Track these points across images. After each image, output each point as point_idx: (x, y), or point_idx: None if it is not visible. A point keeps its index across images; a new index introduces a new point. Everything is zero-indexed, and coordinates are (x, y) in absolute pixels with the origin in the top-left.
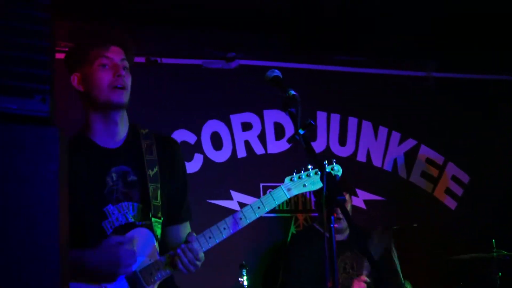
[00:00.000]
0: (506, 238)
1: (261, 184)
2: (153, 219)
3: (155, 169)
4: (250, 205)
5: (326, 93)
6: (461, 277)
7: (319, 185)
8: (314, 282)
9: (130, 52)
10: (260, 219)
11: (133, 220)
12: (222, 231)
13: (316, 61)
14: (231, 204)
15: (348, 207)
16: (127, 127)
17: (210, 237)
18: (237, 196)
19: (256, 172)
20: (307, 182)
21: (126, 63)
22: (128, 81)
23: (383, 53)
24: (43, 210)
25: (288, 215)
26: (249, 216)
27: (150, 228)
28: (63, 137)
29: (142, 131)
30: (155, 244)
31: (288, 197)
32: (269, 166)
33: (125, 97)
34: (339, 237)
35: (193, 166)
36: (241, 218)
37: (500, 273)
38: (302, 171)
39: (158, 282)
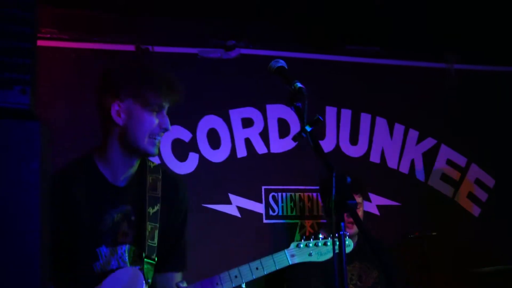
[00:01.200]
0: None
1: (263, 187)
2: (146, 260)
3: (156, 207)
4: (249, 264)
5: (336, 86)
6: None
7: (326, 257)
8: None
9: (180, 95)
10: (263, 225)
11: (126, 265)
12: (214, 286)
13: (326, 51)
14: (230, 209)
15: (360, 212)
16: (139, 162)
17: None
18: (236, 200)
19: (258, 174)
20: (314, 251)
21: (167, 106)
22: None
23: (399, 43)
24: (23, 212)
25: (294, 221)
26: (245, 276)
27: (141, 270)
28: (45, 132)
29: (150, 164)
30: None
31: (290, 263)
32: (272, 167)
33: (158, 148)
34: (349, 246)
35: (188, 166)
36: (236, 276)
37: None
38: (312, 239)
39: None
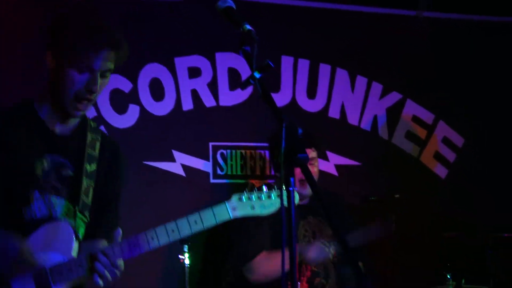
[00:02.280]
0: (504, 213)
1: (211, 144)
2: (79, 215)
3: (93, 166)
4: (187, 217)
5: (293, 34)
6: (451, 256)
7: (269, 210)
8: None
9: (122, 53)
10: (210, 185)
11: (57, 217)
12: (149, 241)
13: None
14: (173, 167)
15: (314, 170)
16: (80, 118)
17: (135, 245)
18: (181, 158)
19: (205, 129)
20: (257, 204)
21: (110, 67)
22: (101, 89)
23: None
24: None
25: (241, 181)
26: (183, 230)
27: (73, 224)
28: None
29: (91, 123)
30: (74, 243)
31: (231, 217)
32: (221, 121)
33: (89, 107)
34: (300, 200)
35: (128, 119)
36: (173, 231)
37: (493, 253)
38: (255, 191)
39: (68, 284)
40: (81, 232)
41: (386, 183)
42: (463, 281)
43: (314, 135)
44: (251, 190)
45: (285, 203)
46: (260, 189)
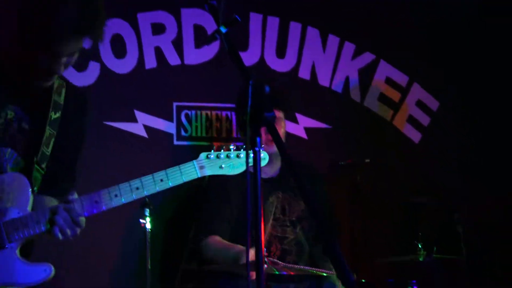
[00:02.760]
0: (477, 180)
1: (175, 104)
2: (36, 166)
3: (58, 114)
4: (153, 175)
5: None
6: (421, 224)
7: (239, 170)
8: (235, 228)
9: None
10: (173, 147)
11: (9, 169)
12: (112, 198)
13: None
14: (135, 128)
15: (281, 132)
16: None
17: (96, 201)
18: (143, 118)
19: (169, 88)
20: (226, 164)
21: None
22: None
23: None
24: None
25: (207, 143)
26: (148, 187)
27: (29, 176)
28: None
29: None
30: (29, 196)
31: (199, 176)
32: (185, 81)
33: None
34: (268, 173)
35: (87, 77)
36: (137, 188)
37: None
38: (222, 150)
39: (23, 240)
40: (37, 184)
41: (357, 147)
42: (434, 249)
43: (280, 95)
44: (219, 150)
45: (255, 168)
46: (228, 148)
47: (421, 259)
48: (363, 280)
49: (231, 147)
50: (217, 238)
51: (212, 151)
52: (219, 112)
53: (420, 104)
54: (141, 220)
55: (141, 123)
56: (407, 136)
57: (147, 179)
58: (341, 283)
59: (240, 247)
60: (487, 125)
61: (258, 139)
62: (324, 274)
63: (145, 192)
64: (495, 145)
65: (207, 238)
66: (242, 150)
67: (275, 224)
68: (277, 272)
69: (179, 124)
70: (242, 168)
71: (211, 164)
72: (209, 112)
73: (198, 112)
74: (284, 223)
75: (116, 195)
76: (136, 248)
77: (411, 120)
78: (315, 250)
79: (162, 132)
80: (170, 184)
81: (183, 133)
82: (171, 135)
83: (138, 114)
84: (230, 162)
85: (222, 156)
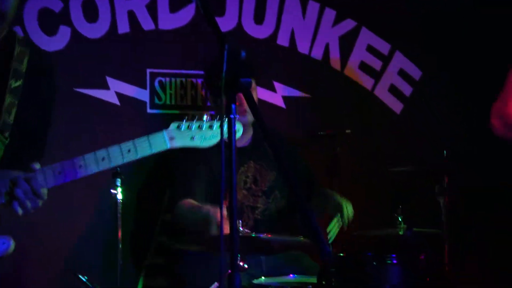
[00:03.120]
0: (460, 151)
1: (148, 70)
2: None
3: (19, 82)
4: (120, 145)
5: None
6: (403, 196)
7: (211, 142)
8: (206, 198)
9: None
10: (147, 115)
11: None
12: (77, 169)
13: None
14: (107, 95)
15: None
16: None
17: (60, 172)
18: (116, 85)
19: (142, 54)
20: (197, 135)
21: None
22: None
23: None
24: None
25: (177, 112)
26: (115, 158)
27: None
28: None
29: (19, 37)
30: None
31: (168, 147)
32: (160, 46)
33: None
34: (239, 142)
35: (58, 42)
36: (103, 159)
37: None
38: (194, 120)
39: None
40: (0, 154)
41: (337, 117)
42: (414, 223)
43: (253, 61)
44: (191, 119)
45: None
46: (200, 118)
47: (401, 232)
48: (341, 254)
49: (205, 117)
50: (190, 200)
51: (184, 121)
52: (194, 80)
53: (402, 73)
54: (112, 191)
55: (113, 90)
56: (388, 107)
57: (114, 149)
58: (318, 252)
59: (208, 207)
60: (471, 95)
61: (233, 106)
62: (301, 239)
63: (111, 163)
64: (479, 116)
65: (180, 201)
66: (215, 121)
67: (247, 194)
68: (253, 235)
69: (153, 92)
70: (214, 140)
71: (181, 135)
72: (184, 80)
73: (173, 80)
74: (256, 193)
75: (80, 166)
76: (107, 219)
77: (393, 90)
78: (288, 221)
79: (135, 100)
80: (138, 155)
81: (156, 101)
82: (144, 103)
83: (110, 80)
84: (202, 134)
85: (193, 126)
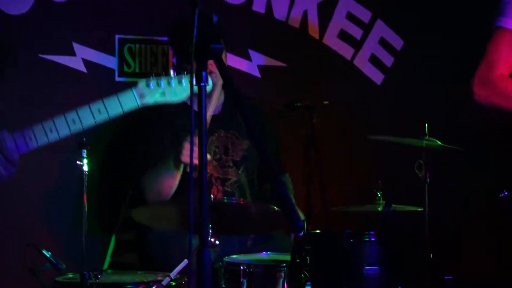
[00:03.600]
0: (444, 125)
1: (117, 36)
2: None
3: None
4: (89, 105)
5: None
6: (383, 171)
7: (181, 96)
8: (175, 167)
9: None
10: (115, 83)
11: None
12: (48, 133)
13: None
14: (73, 62)
15: None
16: None
17: (30, 138)
18: (82, 51)
19: (111, 19)
20: (167, 90)
21: None
22: None
23: None
24: None
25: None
26: (85, 120)
27: None
28: None
29: None
30: None
31: (139, 105)
32: (129, 11)
33: None
34: (209, 110)
35: (21, 5)
36: (74, 121)
37: (430, 169)
38: (163, 75)
39: None
40: None
41: (315, 88)
42: (393, 200)
43: (226, 27)
44: (158, 77)
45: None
46: (168, 74)
47: (379, 209)
48: (317, 231)
49: (172, 72)
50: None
51: (151, 78)
52: (165, 46)
53: (383, 42)
54: (78, 162)
55: (79, 57)
56: (368, 77)
57: (84, 110)
58: (290, 226)
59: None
60: (455, 65)
61: (204, 73)
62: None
63: (82, 125)
64: (463, 86)
65: (145, 173)
66: (183, 75)
67: (217, 165)
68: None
69: (122, 59)
70: (184, 95)
71: (151, 92)
72: (154, 47)
73: (143, 46)
74: (227, 163)
75: (51, 130)
76: (71, 193)
77: (374, 60)
78: (259, 193)
79: (103, 67)
80: (109, 115)
81: (125, 68)
82: (112, 70)
83: (77, 47)
84: (172, 89)
85: (162, 83)
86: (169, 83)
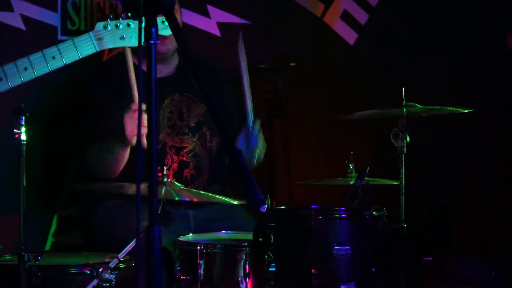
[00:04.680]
0: (423, 88)
1: None
2: None
3: None
4: (42, 52)
5: None
6: (355, 140)
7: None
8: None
9: None
10: (57, 42)
11: None
12: None
13: None
14: (11, 19)
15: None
16: None
17: None
18: (21, 7)
19: None
20: (126, 33)
21: None
22: None
23: None
24: None
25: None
26: (39, 67)
27: None
28: None
29: None
30: None
31: (97, 49)
32: None
33: None
34: (162, 72)
35: None
36: (26, 68)
37: (408, 138)
38: (121, 18)
39: None
40: None
41: (280, 48)
42: (367, 170)
43: None
44: (117, 19)
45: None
46: (127, 16)
47: (351, 182)
48: (282, 207)
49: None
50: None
51: (109, 20)
52: (113, 1)
53: None
54: (15, 130)
55: (17, 13)
56: (340, 36)
57: (37, 57)
58: (247, 201)
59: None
60: (434, 23)
61: (153, 30)
62: (235, 203)
63: (36, 72)
64: (445, 50)
65: (92, 143)
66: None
67: (171, 132)
68: (177, 198)
69: (65, 15)
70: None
71: (110, 34)
72: (101, 1)
73: (88, 1)
74: (182, 130)
75: (1, 79)
76: (9, 164)
77: (346, 17)
78: (217, 163)
79: (44, 24)
80: (65, 61)
81: (69, 26)
82: (54, 28)
83: (15, 1)
84: (132, 32)
85: (121, 25)
86: (128, 26)
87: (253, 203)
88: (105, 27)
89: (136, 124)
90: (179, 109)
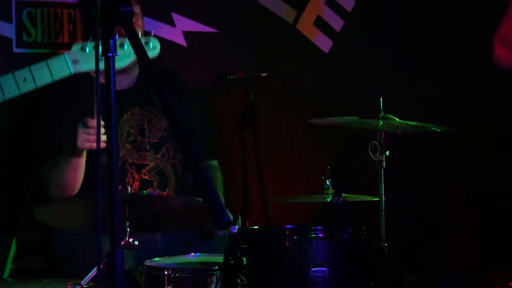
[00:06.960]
0: (399, 97)
1: (14, 0)
2: None
3: None
4: (13, 73)
5: None
6: (332, 153)
7: (123, 63)
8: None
9: None
10: (13, 56)
11: None
12: None
13: None
14: None
15: (139, 31)
16: None
17: None
18: None
19: None
20: None
21: None
22: None
23: None
24: None
25: (49, 51)
26: (9, 90)
27: None
28: None
29: None
30: None
31: (72, 72)
32: None
33: None
34: (121, 84)
35: None
36: None
37: (387, 152)
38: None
39: None
40: None
41: (251, 58)
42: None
43: None
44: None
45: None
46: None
47: (328, 199)
48: (256, 227)
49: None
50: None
51: (88, 41)
52: (72, 11)
53: (331, 3)
54: None
55: None
56: (314, 44)
57: (7, 78)
58: (213, 223)
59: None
60: (411, 29)
61: (111, 41)
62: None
63: (4, 95)
64: (420, 54)
65: (47, 159)
66: (126, 39)
67: (131, 148)
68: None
69: (20, 26)
70: (128, 61)
71: (87, 57)
72: (59, 11)
73: (45, 11)
74: (143, 146)
75: None
76: None
77: (320, 24)
78: (183, 181)
79: None
80: (37, 84)
81: (25, 37)
82: (9, 40)
83: None
84: None
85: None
86: None
87: (218, 225)
88: (82, 48)
89: (89, 136)
90: (139, 124)
